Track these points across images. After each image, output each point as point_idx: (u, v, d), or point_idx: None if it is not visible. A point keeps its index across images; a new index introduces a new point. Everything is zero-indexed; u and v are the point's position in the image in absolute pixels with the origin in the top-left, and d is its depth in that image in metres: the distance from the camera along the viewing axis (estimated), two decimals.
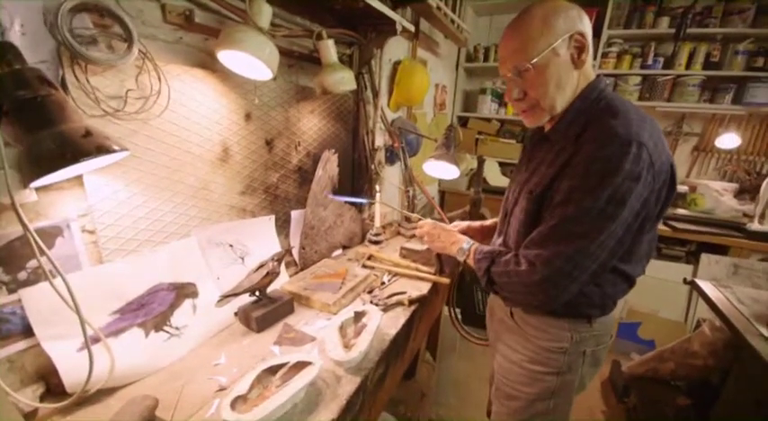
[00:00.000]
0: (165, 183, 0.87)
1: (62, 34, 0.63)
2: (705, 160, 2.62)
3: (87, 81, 0.69)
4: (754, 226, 2.13)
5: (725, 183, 2.48)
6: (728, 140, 2.38)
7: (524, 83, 0.79)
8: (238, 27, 0.82)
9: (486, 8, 2.87)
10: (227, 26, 0.83)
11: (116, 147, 0.64)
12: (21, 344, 0.69)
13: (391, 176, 2.07)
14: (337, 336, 0.88)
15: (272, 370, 0.77)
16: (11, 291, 0.67)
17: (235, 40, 0.80)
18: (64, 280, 0.64)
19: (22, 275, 0.68)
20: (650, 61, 2.46)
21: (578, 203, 0.70)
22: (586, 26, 0.77)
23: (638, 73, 2.49)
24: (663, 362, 1.83)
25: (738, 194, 2.45)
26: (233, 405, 0.66)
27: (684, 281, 1.73)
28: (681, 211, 2.41)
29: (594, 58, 2.47)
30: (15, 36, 0.60)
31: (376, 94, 1.67)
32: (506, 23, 0.81)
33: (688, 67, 2.41)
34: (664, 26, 2.40)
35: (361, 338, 0.88)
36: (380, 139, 1.87)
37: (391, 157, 1.99)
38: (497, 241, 1.00)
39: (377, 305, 1.08)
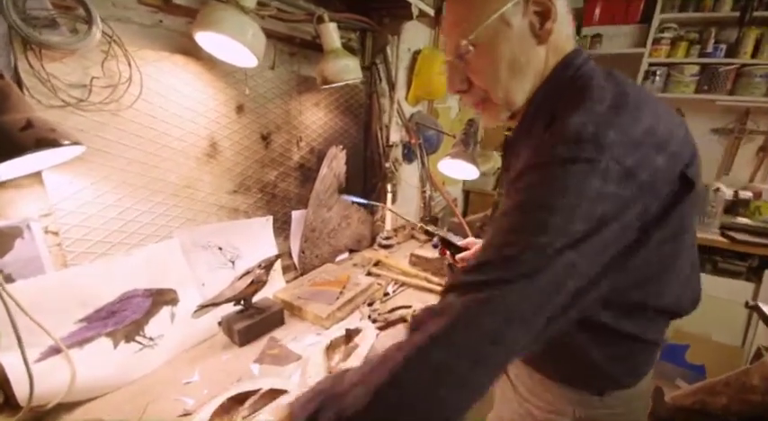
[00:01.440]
0: (140, 180, 0.80)
1: (9, 15, 0.56)
2: None
3: (42, 67, 0.62)
4: None
5: None
6: None
7: (467, 67, 0.57)
8: (216, 5, 0.72)
9: None
10: (207, 6, 0.74)
11: (64, 141, 0.56)
12: None
13: (409, 176, 1.94)
14: (322, 359, 0.78)
15: (241, 398, 0.67)
16: None
17: (211, 21, 0.71)
18: (3, 290, 0.57)
19: None
20: (710, 49, 2.16)
21: (498, 246, 0.43)
22: None
23: (696, 62, 2.19)
24: (714, 396, 1.58)
25: None
26: None
27: (746, 305, 1.48)
28: (742, 220, 2.10)
29: (644, 44, 2.20)
30: None
31: (392, 86, 1.55)
32: None
33: (755, 55, 2.09)
34: (726, 9, 2.09)
35: (348, 363, 0.77)
36: (396, 136, 1.75)
37: (408, 155, 1.86)
38: None
39: (375, 321, 0.97)
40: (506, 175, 0.69)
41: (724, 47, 2.15)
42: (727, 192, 2.08)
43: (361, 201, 1.16)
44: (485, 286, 0.40)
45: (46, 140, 0.54)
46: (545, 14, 0.52)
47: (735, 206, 2.19)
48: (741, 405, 1.52)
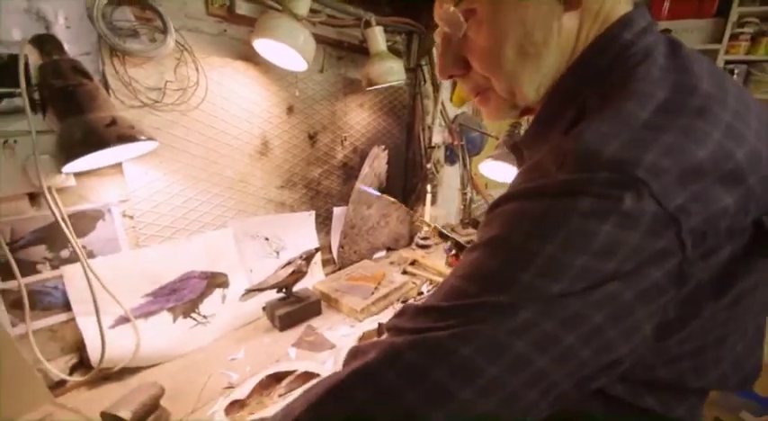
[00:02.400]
0: (202, 174, 0.89)
1: (98, 26, 0.65)
2: None
3: (126, 72, 0.72)
4: None
5: None
6: None
7: (462, 43, 0.42)
8: (272, 14, 0.79)
9: None
10: (264, 14, 0.80)
11: (141, 137, 0.64)
12: (62, 316, 0.75)
13: (451, 177, 1.93)
14: None
15: (279, 376, 0.73)
16: (54, 267, 0.72)
17: (267, 28, 0.77)
18: (86, 264, 0.67)
19: (65, 253, 0.73)
20: None
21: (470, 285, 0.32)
22: None
23: None
24: None
25: None
26: (228, 410, 0.64)
27: None
28: None
29: (720, 40, 2.01)
30: (60, 29, 0.64)
31: (436, 88, 1.56)
32: None
33: None
34: None
35: None
36: (439, 137, 1.75)
37: (451, 157, 1.86)
38: None
39: None
40: None
41: None
42: None
43: (375, 192, 1.18)
44: (420, 332, 0.31)
45: (126, 136, 0.62)
46: None
47: None
48: None
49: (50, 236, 0.71)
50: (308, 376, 0.71)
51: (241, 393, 0.67)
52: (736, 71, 2.04)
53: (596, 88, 0.36)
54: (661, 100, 0.31)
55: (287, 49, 0.80)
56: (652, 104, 0.30)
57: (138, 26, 0.72)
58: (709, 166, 0.28)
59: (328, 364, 0.82)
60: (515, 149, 0.51)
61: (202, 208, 0.91)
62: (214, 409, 0.69)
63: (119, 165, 0.76)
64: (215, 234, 0.94)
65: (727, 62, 2.04)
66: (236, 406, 0.65)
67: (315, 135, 1.14)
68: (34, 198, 0.68)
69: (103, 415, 0.61)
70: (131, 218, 0.81)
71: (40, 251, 0.71)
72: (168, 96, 0.79)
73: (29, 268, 0.69)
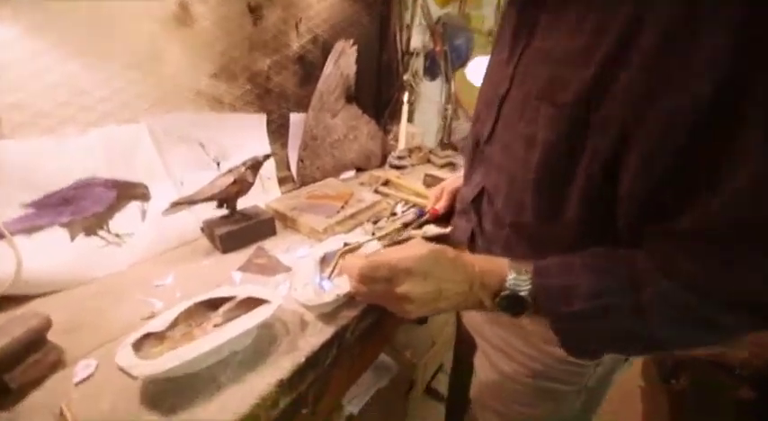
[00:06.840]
0: (87, 39, 0.62)
1: None
2: None
3: None
4: None
5: None
6: None
7: None
8: None
9: None
10: None
11: None
12: None
13: (432, 92, 1.70)
14: (314, 271, 0.66)
15: (215, 303, 0.57)
16: None
17: None
18: None
19: None
20: None
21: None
22: None
23: None
24: (737, 349, 1.50)
25: None
26: (138, 345, 0.48)
27: None
28: None
29: None
30: None
31: None
32: None
33: None
34: None
35: (345, 277, 0.65)
36: (419, 41, 1.48)
37: (432, 69, 1.61)
38: (467, 194, 0.63)
39: (380, 239, 0.83)
40: (524, 27, 0.46)
41: None
42: None
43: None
44: None
45: None
46: None
47: None
48: (763, 362, 1.44)
49: None
50: (252, 302, 0.56)
51: (159, 324, 0.50)
52: None
53: None
54: None
55: None
56: None
57: None
58: None
59: (282, 289, 0.67)
60: (526, 10, 0.45)
61: (96, 92, 0.66)
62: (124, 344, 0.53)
63: None
64: (122, 130, 0.71)
65: None
66: (150, 339, 0.49)
67: (258, 9, 0.86)
68: None
69: None
70: None
71: None
72: None
73: None
